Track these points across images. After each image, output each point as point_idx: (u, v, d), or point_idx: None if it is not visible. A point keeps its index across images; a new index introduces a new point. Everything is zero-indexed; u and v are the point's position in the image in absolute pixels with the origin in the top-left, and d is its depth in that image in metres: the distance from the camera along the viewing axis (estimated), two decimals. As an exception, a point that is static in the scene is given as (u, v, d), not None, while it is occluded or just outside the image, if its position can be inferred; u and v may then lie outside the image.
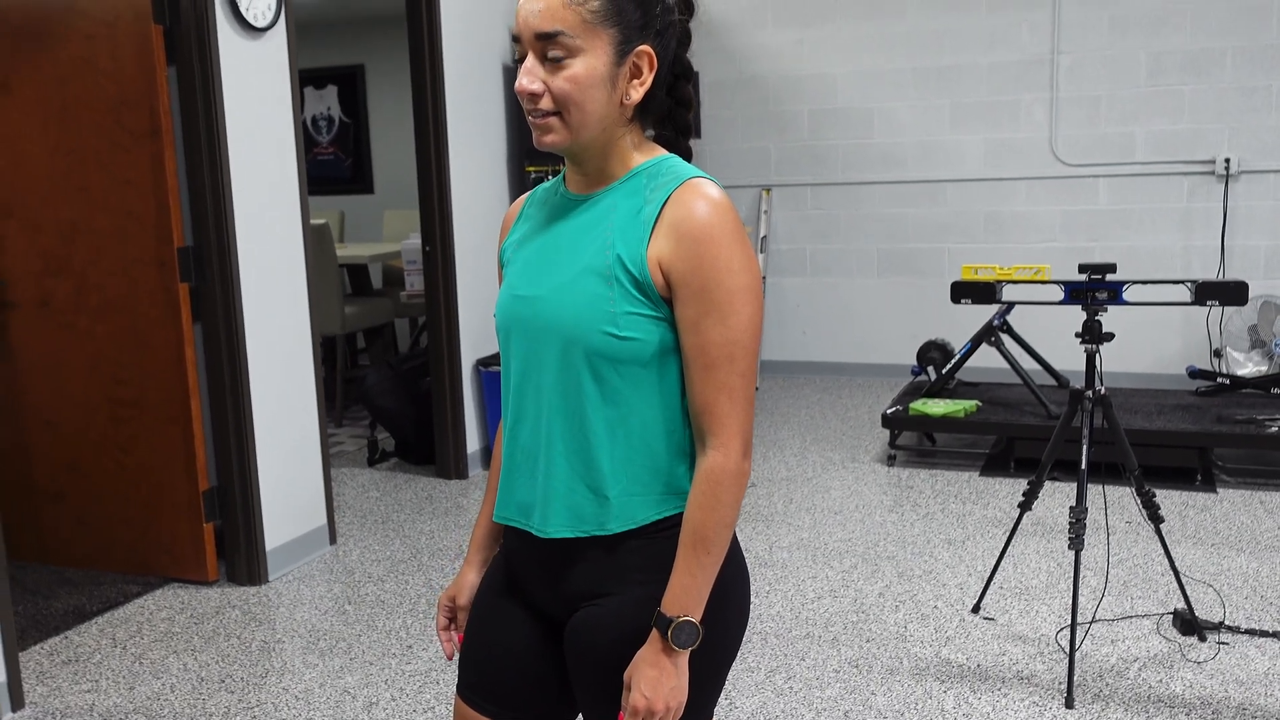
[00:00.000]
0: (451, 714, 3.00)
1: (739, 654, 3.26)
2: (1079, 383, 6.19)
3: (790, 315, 7.05)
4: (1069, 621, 3.40)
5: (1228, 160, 5.95)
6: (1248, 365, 5.58)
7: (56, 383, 4.02)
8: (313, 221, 6.23)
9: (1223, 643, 3.21)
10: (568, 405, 1.44)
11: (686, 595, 1.39)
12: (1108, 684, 3.01)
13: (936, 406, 5.04)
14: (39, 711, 3.07)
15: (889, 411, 5.06)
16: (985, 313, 6.57)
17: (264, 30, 3.87)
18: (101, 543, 4.06)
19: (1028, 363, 6.36)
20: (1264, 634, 3.25)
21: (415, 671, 3.24)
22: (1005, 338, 5.93)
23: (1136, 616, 3.43)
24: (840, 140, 6.74)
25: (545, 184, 1.60)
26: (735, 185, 7.01)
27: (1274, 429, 4.52)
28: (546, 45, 1.37)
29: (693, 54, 6.97)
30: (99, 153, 3.79)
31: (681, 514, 1.45)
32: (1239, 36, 5.88)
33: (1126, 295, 3.26)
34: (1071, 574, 3.76)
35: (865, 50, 6.60)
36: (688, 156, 1.52)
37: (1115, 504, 4.47)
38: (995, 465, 5.03)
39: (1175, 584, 3.62)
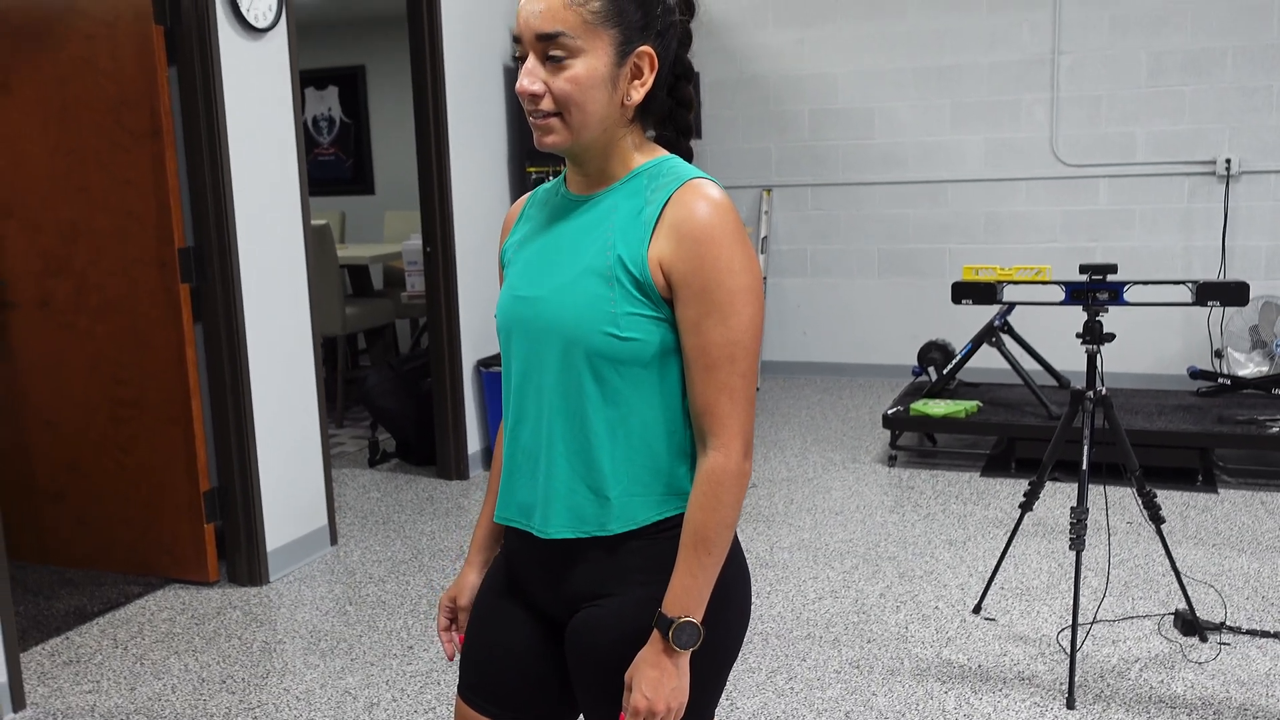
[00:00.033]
0: (452, 715, 3.00)
1: (740, 655, 3.26)
2: (1080, 383, 6.19)
3: (791, 316, 7.05)
4: (1070, 622, 3.40)
5: (1228, 160, 5.95)
6: (1249, 366, 5.58)
7: (57, 383, 4.02)
8: (314, 222, 6.23)
9: (1224, 643, 3.21)
10: (568, 406, 1.44)
11: (687, 596, 1.39)
12: (1109, 684, 3.01)
13: (937, 407, 5.04)
14: (40, 712, 3.07)
15: (890, 412, 5.06)
16: (986, 313, 6.57)
17: (265, 31, 3.87)
18: (102, 543, 4.07)
19: (1029, 363, 6.36)
20: (1265, 634, 3.25)
21: (416, 672, 3.24)
22: (1006, 338, 5.93)
23: (1138, 617, 3.43)
24: (841, 140, 6.74)
25: (546, 185, 1.60)
26: (736, 186, 7.01)
27: (1275, 429, 4.52)
28: (547, 46, 1.37)
29: (693, 54, 6.97)
30: (99, 153, 3.79)
31: (682, 515, 1.45)
32: (1240, 36, 5.88)
33: (1127, 296, 3.26)
34: (1073, 574, 3.75)
35: (866, 50, 6.60)
36: (688, 157, 1.52)
37: (1116, 504, 4.47)
38: (996, 466, 5.03)
39: (1176, 584, 3.62)
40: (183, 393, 3.82)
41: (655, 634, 1.40)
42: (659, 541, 1.45)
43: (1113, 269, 3.27)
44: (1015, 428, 4.84)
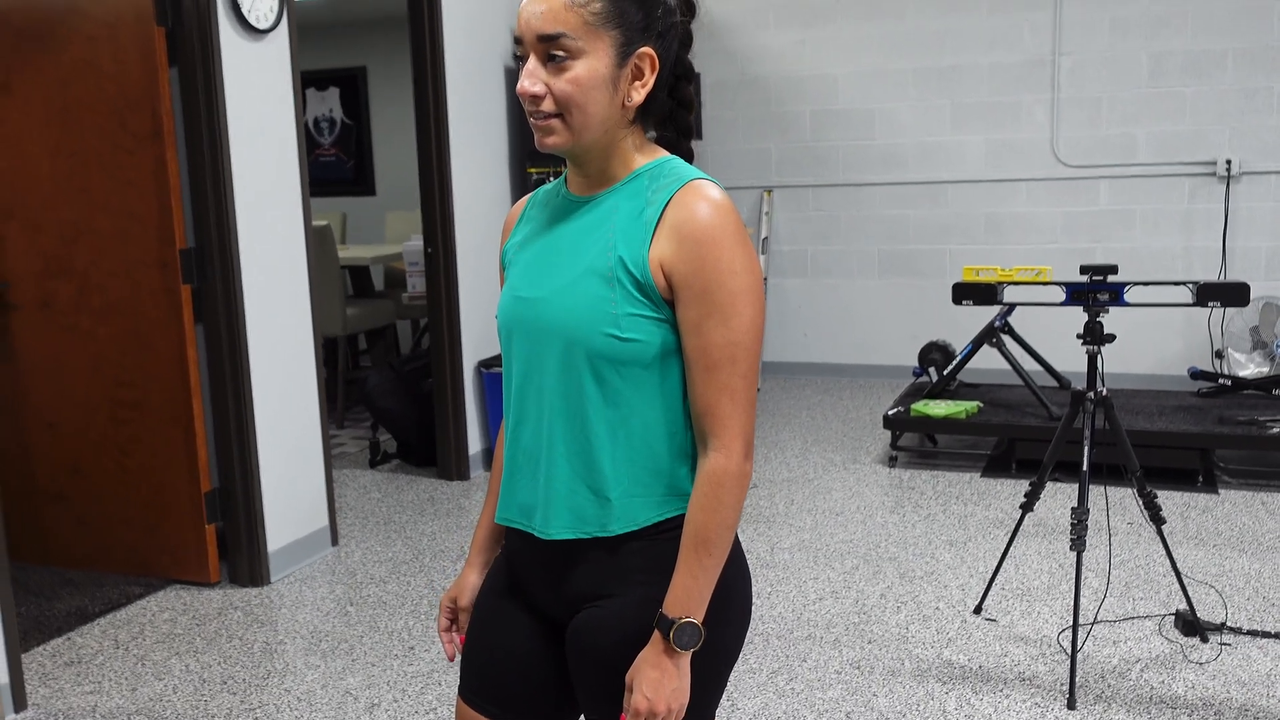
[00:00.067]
0: (453, 716, 3.00)
1: (741, 655, 3.26)
2: (1080, 384, 6.19)
3: (791, 316, 7.05)
4: (1071, 622, 3.40)
5: (1229, 161, 5.95)
6: (1249, 366, 5.58)
7: (58, 384, 4.02)
8: (314, 223, 6.23)
9: (1225, 644, 3.21)
10: (569, 407, 1.44)
11: (688, 596, 1.39)
12: (1110, 685, 3.01)
13: (938, 408, 5.04)
14: (41, 713, 3.08)
15: (890, 413, 5.06)
16: (986, 314, 6.57)
17: (266, 32, 3.87)
18: (103, 544, 4.07)
19: (1029, 364, 6.35)
20: (1266, 635, 3.25)
21: (417, 673, 3.24)
22: (1007, 339, 5.93)
23: (1138, 617, 3.43)
24: (841, 141, 6.74)
25: (547, 185, 1.60)
26: (736, 186, 7.01)
27: (1275, 430, 4.52)
28: (549, 47, 1.38)
29: (694, 55, 6.97)
30: (101, 154, 3.79)
31: (683, 515, 1.45)
32: (1240, 38, 5.88)
33: (1128, 296, 3.26)
34: (1073, 575, 3.76)
35: (866, 51, 6.60)
36: (689, 158, 1.53)
37: (1117, 505, 4.47)
38: (997, 466, 5.03)
39: (1177, 585, 3.62)
40: (184, 393, 3.82)
41: (656, 635, 1.40)
42: (660, 542, 1.45)
43: (1113, 270, 3.27)
44: (1016, 428, 4.85)
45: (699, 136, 7.02)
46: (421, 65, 4.87)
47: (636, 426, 1.43)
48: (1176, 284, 3.28)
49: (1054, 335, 6.45)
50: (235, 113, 3.77)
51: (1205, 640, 3.23)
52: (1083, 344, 3.24)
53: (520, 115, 5.48)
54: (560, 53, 1.37)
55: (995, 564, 3.87)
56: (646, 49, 1.41)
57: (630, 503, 1.44)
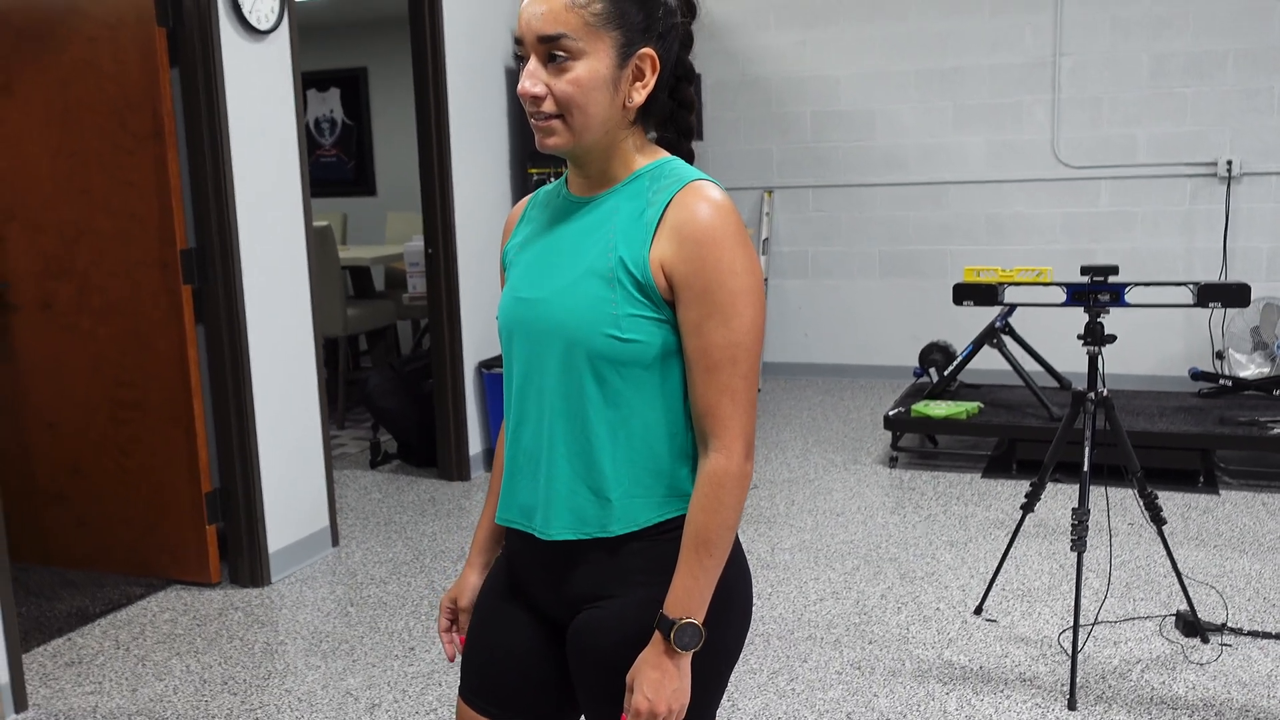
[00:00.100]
0: (454, 716, 3.00)
1: (741, 656, 3.26)
2: (1081, 384, 6.19)
3: (792, 317, 7.05)
4: (1071, 623, 3.40)
5: (1230, 162, 5.95)
6: (1250, 367, 5.58)
7: (58, 384, 4.02)
8: (315, 223, 6.23)
9: (1225, 644, 3.21)
10: (570, 407, 1.44)
11: (689, 597, 1.39)
12: (1110, 686, 3.01)
13: (938, 408, 5.04)
14: (42, 713, 3.08)
15: (891, 413, 5.06)
16: (987, 315, 6.57)
17: (267, 33, 3.87)
18: (103, 544, 4.07)
19: (1030, 364, 6.35)
20: (1267, 635, 3.25)
21: (418, 673, 3.24)
22: (1007, 340, 5.93)
23: (1139, 618, 3.43)
24: (842, 142, 6.74)
25: (547, 186, 1.60)
26: (737, 187, 7.01)
27: (1276, 431, 4.52)
28: (549, 48, 1.38)
29: (695, 56, 6.96)
30: (101, 155, 3.79)
31: (684, 516, 1.45)
32: (1241, 38, 5.88)
33: (1128, 297, 3.26)
34: (1074, 576, 3.75)
35: (868, 52, 6.60)
36: (690, 159, 1.52)
37: (1117, 506, 4.47)
38: (997, 467, 5.03)
39: (1178, 585, 3.62)
40: (184, 394, 3.82)
41: (657, 635, 1.40)
42: (660, 543, 1.45)
43: (1114, 270, 3.27)
44: (1016, 429, 4.84)
45: (700, 137, 7.02)
46: (422, 66, 4.87)
47: (637, 427, 1.43)
48: (1177, 285, 3.28)
49: (1055, 336, 6.45)
50: (236, 113, 3.77)
51: (1206, 641, 3.23)
52: (1083, 345, 3.23)
53: (521, 116, 5.48)
54: (561, 53, 1.37)
55: (996, 564, 3.87)
56: (647, 50, 1.41)
57: (631, 503, 1.44)
